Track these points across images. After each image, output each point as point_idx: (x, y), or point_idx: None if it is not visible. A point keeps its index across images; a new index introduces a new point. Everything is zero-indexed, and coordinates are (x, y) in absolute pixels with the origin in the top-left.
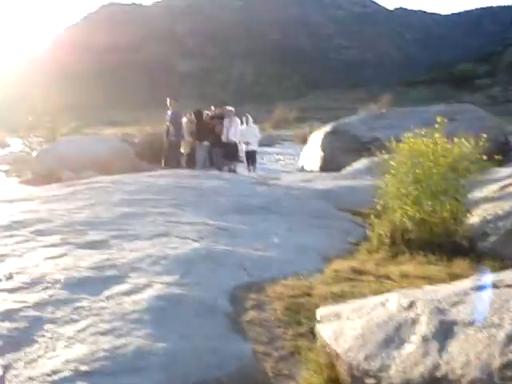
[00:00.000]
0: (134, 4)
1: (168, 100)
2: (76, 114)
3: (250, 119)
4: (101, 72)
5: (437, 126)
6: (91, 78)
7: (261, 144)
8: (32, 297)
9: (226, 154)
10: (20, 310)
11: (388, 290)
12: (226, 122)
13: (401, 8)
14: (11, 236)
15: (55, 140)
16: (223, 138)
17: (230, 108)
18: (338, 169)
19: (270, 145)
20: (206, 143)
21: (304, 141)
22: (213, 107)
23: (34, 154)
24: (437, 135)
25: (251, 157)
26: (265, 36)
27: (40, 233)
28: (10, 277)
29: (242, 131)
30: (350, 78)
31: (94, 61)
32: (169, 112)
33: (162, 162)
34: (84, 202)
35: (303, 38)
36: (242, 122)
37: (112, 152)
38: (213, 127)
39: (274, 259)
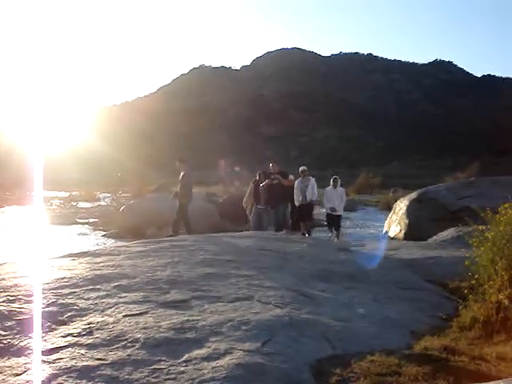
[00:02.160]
0: (224, 67)
1: (177, 163)
2: (163, 172)
3: (339, 182)
4: (189, 133)
5: None
6: (180, 138)
7: (345, 209)
8: (110, 355)
9: (300, 216)
10: (97, 367)
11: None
12: (297, 182)
13: (488, 75)
14: (94, 290)
15: (142, 196)
16: (297, 200)
17: (303, 168)
18: (423, 237)
19: (353, 210)
20: (261, 205)
21: (387, 207)
22: (271, 165)
23: (121, 208)
24: None
25: (336, 221)
26: (349, 101)
27: (122, 289)
28: (89, 332)
29: (327, 194)
30: (436, 146)
31: (183, 122)
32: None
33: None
34: (167, 260)
35: (389, 104)
36: (330, 184)
37: (196, 210)
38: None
39: (360, 331)
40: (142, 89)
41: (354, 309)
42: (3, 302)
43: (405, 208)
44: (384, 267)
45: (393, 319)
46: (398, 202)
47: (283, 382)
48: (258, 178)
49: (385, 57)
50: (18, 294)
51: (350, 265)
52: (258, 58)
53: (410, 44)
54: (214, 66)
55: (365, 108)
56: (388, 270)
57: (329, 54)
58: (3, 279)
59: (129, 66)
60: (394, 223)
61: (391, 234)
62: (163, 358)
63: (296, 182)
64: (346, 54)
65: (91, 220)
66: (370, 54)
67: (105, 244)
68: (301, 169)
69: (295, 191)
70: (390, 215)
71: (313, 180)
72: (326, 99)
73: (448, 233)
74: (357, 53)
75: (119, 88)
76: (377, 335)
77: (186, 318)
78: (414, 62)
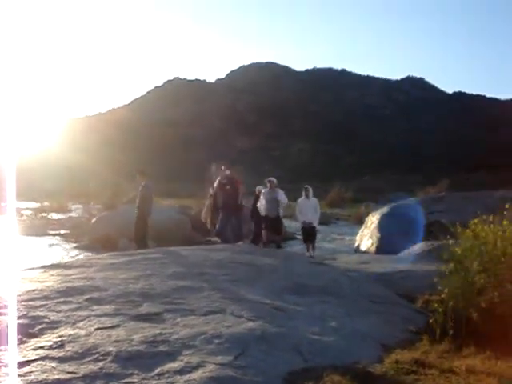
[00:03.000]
0: (198, 80)
1: (137, 175)
2: (136, 184)
3: (311, 192)
4: (163, 145)
5: (505, 212)
6: (153, 151)
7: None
8: (82, 368)
9: (269, 228)
10: (69, 381)
11: None
12: (264, 192)
13: (459, 92)
14: (65, 303)
15: (114, 208)
16: (264, 210)
17: (271, 178)
18: (394, 251)
19: (325, 223)
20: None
21: (359, 221)
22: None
23: (93, 220)
24: (504, 222)
25: (311, 234)
26: (323, 116)
27: (94, 301)
28: (61, 345)
29: (300, 205)
30: (408, 161)
31: (156, 133)
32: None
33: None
34: (139, 273)
35: (362, 119)
36: (302, 195)
37: (169, 222)
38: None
39: (331, 345)
40: (116, 100)
41: (326, 322)
42: None
43: (377, 222)
44: (356, 280)
45: (364, 333)
46: (370, 215)
47: None
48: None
49: (358, 72)
50: None
51: (321, 278)
52: (232, 71)
53: (383, 60)
54: (188, 78)
55: (338, 123)
56: (360, 283)
57: (303, 69)
58: None
59: (103, 78)
60: (366, 237)
61: (363, 247)
62: (135, 372)
63: (263, 192)
64: (319, 69)
65: (62, 231)
66: (344, 69)
67: (76, 256)
68: (269, 179)
69: (262, 202)
70: (362, 229)
71: (281, 192)
72: (299, 113)
73: (419, 247)
74: (331, 68)
75: (93, 99)
76: (349, 348)
77: (158, 331)
78: (386, 78)
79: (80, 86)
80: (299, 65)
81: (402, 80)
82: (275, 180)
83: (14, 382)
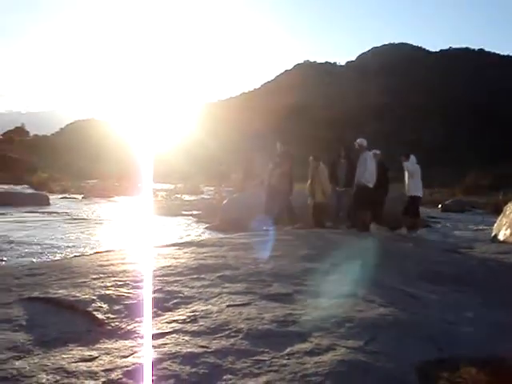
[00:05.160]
0: (328, 63)
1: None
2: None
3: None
4: (292, 128)
5: None
6: (283, 134)
7: (450, 209)
8: (214, 343)
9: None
10: (201, 355)
11: None
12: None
13: None
14: (198, 279)
15: (245, 190)
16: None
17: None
18: None
19: (460, 211)
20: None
21: (496, 209)
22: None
23: (224, 202)
24: None
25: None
26: (459, 99)
27: (226, 279)
28: (194, 320)
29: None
30: None
31: (286, 118)
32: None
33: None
34: (271, 253)
35: (501, 103)
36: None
37: (301, 205)
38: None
39: (468, 336)
40: (247, 84)
41: (462, 312)
42: (112, 286)
43: None
44: (494, 271)
45: (503, 325)
46: (510, 203)
47: (387, 382)
48: (338, 155)
49: (497, 52)
50: (126, 279)
51: (457, 267)
52: (363, 53)
53: None
54: (318, 61)
55: (475, 107)
56: (498, 273)
57: (437, 49)
58: (112, 265)
59: (235, 63)
60: (504, 226)
61: (501, 237)
62: (266, 350)
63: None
64: (455, 49)
65: (195, 212)
66: (482, 49)
67: (209, 235)
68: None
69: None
70: (499, 218)
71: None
72: (433, 95)
73: None
74: (467, 48)
75: (225, 84)
76: (486, 341)
77: (288, 312)
78: None
79: (213, 71)
80: (433, 45)
81: None
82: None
83: (149, 353)
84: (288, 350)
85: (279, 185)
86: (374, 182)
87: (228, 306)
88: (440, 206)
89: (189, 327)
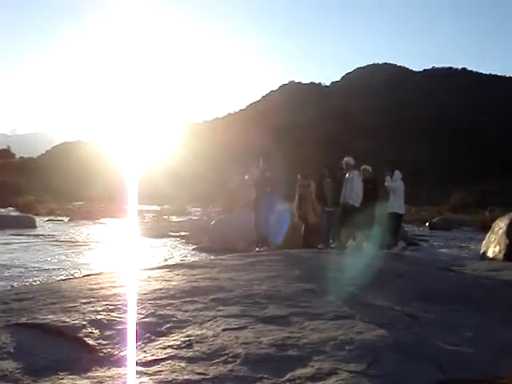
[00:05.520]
0: (313, 83)
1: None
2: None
3: (398, 175)
4: (278, 149)
5: None
6: (269, 154)
7: (437, 227)
8: (211, 370)
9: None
10: (198, 382)
11: None
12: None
13: None
14: (191, 302)
15: (232, 211)
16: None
17: (347, 159)
18: None
19: (448, 229)
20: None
21: (484, 226)
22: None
23: (212, 222)
24: None
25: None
26: (443, 117)
27: (220, 302)
28: (189, 345)
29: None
30: None
31: (272, 138)
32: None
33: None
34: (264, 274)
35: (483, 122)
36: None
37: (290, 226)
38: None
39: (471, 356)
40: (232, 105)
41: (462, 332)
42: (103, 310)
43: (505, 227)
44: (490, 288)
45: (505, 344)
46: (498, 221)
47: None
48: (322, 174)
49: (480, 71)
50: (118, 303)
51: (453, 285)
52: (348, 73)
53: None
54: (303, 82)
55: (457, 124)
56: (494, 291)
57: (421, 69)
58: (102, 288)
59: (220, 84)
60: (493, 243)
61: (490, 254)
62: (265, 376)
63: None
64: (438, 68)
65: (182, 233)
66: (464, 68)
67: (198, 256)
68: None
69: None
70: (488, 235)
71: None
72: (417, 115)
73: None
74: (450, 68)
75: (210, 105)
76: (490, 361)
77: (286, 335)
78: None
79: (198, 92)
80: (417, 65)
81: None
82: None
83: (143, 381)
84: (289, 375)
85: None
86: (360, 201)
87: (224, 330)
88: (427, 223)
89: (184, 353)
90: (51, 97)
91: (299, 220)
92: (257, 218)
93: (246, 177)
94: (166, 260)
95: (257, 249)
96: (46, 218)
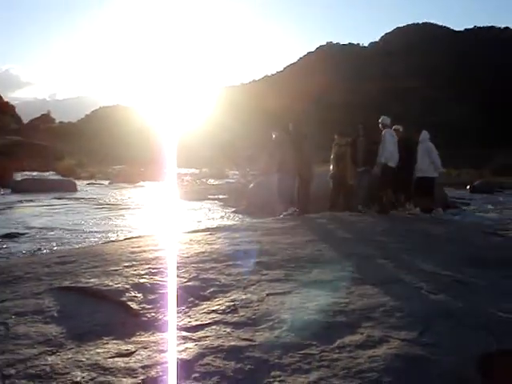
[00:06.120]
0: (351, 44)
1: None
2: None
3: (425, 134)
4: (316, 111)
5: None
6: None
7: (479, 191)
8: (258, 336)
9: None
10: (245, 348)
11: None
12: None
13: None
14: (234, 266)
15: (270, 174)
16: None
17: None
18: None
19: (489, 192)
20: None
21: None
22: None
23: (250, 185)
24: None
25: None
26: (485, 79)
27: (264, 265)
28: (234, 310)
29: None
30: None
31: (309, 100)
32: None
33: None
34: (306, 238)
35: None
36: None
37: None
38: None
39: None
40: (270, 67)
41: None
42: (145, 274)
43: None
44: None
45: None
46: None
47: (447, 377)
48: (357, 133)
49: None
50: (160, 266)
51: (501, 250)
52: (386, 33)
53: None
54: (341, 43)
55: (500, 85)
56: None
57: (462, 29)
58: (144, 251)
59: (257, 45)
60: None
61: None
62: (314, 343)
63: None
64: (480, 28)
65: (221, 196)
66: (507, 27)
67: (238, 219)
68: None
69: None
70: None
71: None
72: (458, 76)
73: None
74: (492, 27)
75: (248, 67)
76: None
77: (333, 300)
78: None
79: (235, 55)
80: (458, 24)
81: None
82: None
83: (189, 347)
84: (338, 342)
85: (297, 169)
86: (396, 160)
87: (268, 295)
88: (468, 187)
89: (229, 318)
90: (89, 62)
91: (331, 180)
92: (281, 180)
93: (273, 136)
94: (208, 222)
95: (284, 213)
96: (87, 182)
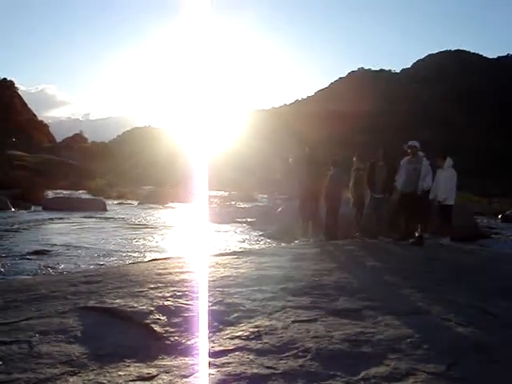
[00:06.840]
0: (383, 70)
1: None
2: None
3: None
4: (345, 135)
5: None
6: (334, 141)
7: (511, 220)
8: (281, 364)
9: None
10: (268, 377)
11: None
12: (404, 161)
13: None
14: (260, 291)
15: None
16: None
17: (413, 142)
18: None
19: None
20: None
21: None
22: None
23: (278, 210)
24: None
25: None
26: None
27: (289, 291)
28: (258, 336)
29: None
30: None
31: (339, 124)
32: None
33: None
34: (333, 264)
35: None
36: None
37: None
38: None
39: None
40: (301, 92)
41: None
42: (170, 296)
43: None
44: None
45: None
46: None
47: None
48: (376, 157)
49: None
50: (185, 289)
51: None
52: (418, 60)
53: None
54: (373, 68)
55: None
56: None
57: (495, 56)
58: (170, 273)
59: (289, 70)
60: None
61: None
62: (338, 373)
63: (402, 162)
64: None
65: (249, 219)
66: None
67: (265, 243)
68: (409, 143)
69: (399, 173)
70: None
71: (426, 162)
72: (490, 103)
73: None
74: None
75: (279, 92)
76: None
77: (359, 330)
78: None
79: (267, 79)
80: (491, 51)
81: None
82: (417, 145)
83: (211, 373)
84: (363, 373)
85: (314, 190)
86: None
87: (293, 322)
88: (500, 216)
89: (253, 345)
90: (122, 84)
91: (353, 206)
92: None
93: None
94: (235, 246)
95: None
96: (116, 202)
